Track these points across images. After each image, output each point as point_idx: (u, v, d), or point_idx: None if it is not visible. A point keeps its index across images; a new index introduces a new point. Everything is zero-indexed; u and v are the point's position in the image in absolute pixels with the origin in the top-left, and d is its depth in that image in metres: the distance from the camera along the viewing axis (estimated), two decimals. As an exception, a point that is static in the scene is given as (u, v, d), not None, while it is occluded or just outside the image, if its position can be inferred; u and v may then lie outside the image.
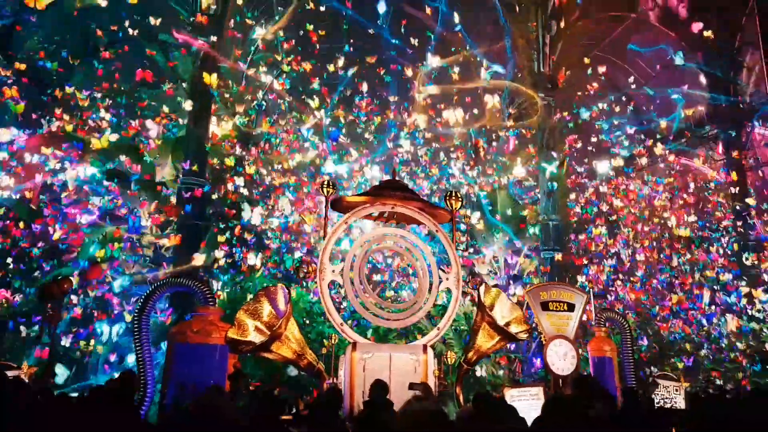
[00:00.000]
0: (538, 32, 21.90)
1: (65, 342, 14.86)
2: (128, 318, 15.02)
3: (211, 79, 18.36)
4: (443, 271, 9.62)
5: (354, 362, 8.55)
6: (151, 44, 19.62)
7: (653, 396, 10.59)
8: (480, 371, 14.84)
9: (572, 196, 22.72)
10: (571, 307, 10.34)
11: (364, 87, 22.92)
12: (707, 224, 23.27)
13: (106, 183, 17.64)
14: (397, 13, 23.86)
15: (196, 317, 9.45)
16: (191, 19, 19.10)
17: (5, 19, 18.10)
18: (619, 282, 21.26)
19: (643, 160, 23.88)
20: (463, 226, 19.78)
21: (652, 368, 17.80)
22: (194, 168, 18.06)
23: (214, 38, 18.82)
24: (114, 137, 18.14)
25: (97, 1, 18.75)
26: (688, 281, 21.46)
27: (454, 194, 9.97)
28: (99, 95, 18.88)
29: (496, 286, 12.18)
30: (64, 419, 6.04)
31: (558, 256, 19.65)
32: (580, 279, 20.57)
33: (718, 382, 17.69)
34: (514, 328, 9.22)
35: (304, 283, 16.14)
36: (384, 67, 23.20)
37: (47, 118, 17.68)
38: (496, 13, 22.86)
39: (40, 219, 16.17)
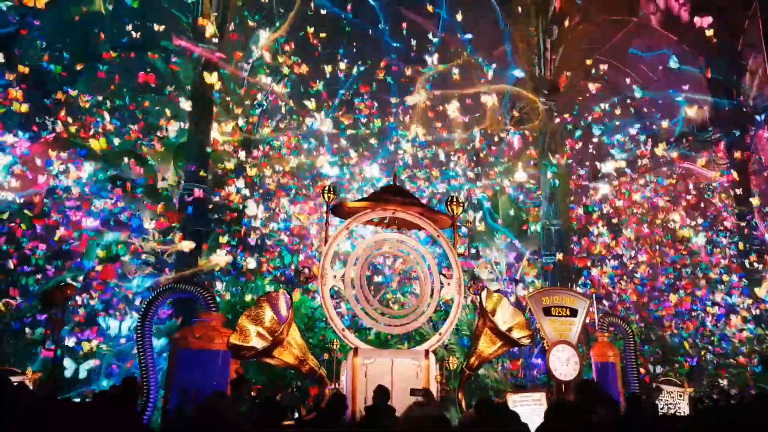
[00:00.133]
0: (538, 36, 21.91)
1: (69, 342, 14.85)
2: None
3: (212, 78, 18.41)
4: (444, 276, 9.62)
5: (356, 368, 8.55)
6: (152, 50, 19.69)
7: (657, 402, 10.55)
8: (486, 378, 14.81)
9: (574, 197, 22.64)
10: (573, 313, 10.32)
11: (366, 89, 22.93)
12: (711, 226, 23.19)
13: (109, 188, 17.69)
14: (397, 17, 23.91)
15: (199, 323, 9.48)
16: (192, 25, 19.16)
17: (11, 26, 18.19)
18: (622, 284, 21.19)
19: (644, 161, 23.83)
20: (464, 229, 19.76)
21: (656, 367, 17.69)
22: (201, 173, 18.09)
23: (215, 39, 18.85)
24: (116, 141, 18.19)
25: (98, 8, 18.86)
26: (690, 283, 21.38)
27: (455, 199, 9.98)
28: (101, 98, 18.93)
29: (498, 291, 12.16)
30: (68, 424, 6.06)
31: (559, 256, 19.58)
32: (582, 281, 20.50)
33: (722, 382, 17.62)
34: (516, 334, 9.19)
35: (310, 285, 16.19)
36: (385, 70, 23.21)
37: (52, 119, 17.73)
38: (496, 16, 22.90)
39: (42, 220, 16.20)
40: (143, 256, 17.53)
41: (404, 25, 23.60)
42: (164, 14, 19.69)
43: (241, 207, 19.29)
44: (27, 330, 14.77)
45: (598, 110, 23.67)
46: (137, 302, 16.07)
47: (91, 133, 17.94)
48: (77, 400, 12.42)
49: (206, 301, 9.66)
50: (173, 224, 17.85)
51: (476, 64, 22.86)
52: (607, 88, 24.74)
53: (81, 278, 15.94)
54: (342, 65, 22.90)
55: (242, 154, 20.40)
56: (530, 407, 9.16)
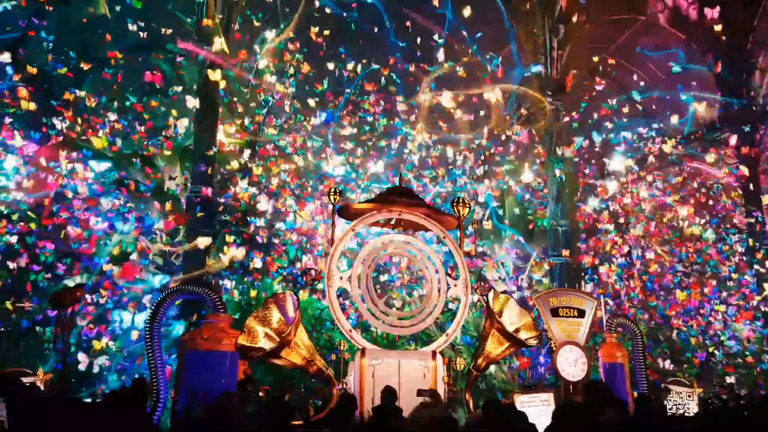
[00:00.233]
0: (544, 36, 21.84)
1: (80, 340, 14.95)
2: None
3: (215, 75, 18.48)
4: (450, 276, 9.64)
5: (363, 368, 8.58)
6: (156, 52, 19.79)
7: (666, 402, 10.51)
8: (494, 379, 14.81)
9: (580, 195, 22.50)
10: (581, 313, 10.30)
11: (372, 86, 22.91)
12: (719, 224, 23.04)
13: (115, 190, 17.82)
14: (401, 18, 23.91)
15: (207, 324, 9.53)
16: (196, 26, 19.24)
17: (18, 29, 18.36)
18: (630, 282, 21.10)
19: (651, 158, 23.70)
20: (471, 228, 19.71)
21: (666, 363, 17.59)
22: (209, 171, 18.17)
23: (221, 40, 18.90)
24: (121, 142, 18.29)
25: (103, 10, 18.97)
26: (696, 284, 21.24)
27: (461, 200, 9.99)
28: (106, 98, 19.06)
29: (504, 292, 12.16)
30: (79, 424, 6.12)
31: (566, 253, 19.50)
32: (590, 281, 20.42)
33: (729, 380, 17.50)
34: (523, 335, 9.20)
35: (316, 286, 16.22)
36: (389, 68, 23.19)
37: (60, 118, 17.85)
38: (501, 16, 22.86)
39: (51, 220, 16.33)
40: (150, 257, 17.62)
41: (408, 23, 23.57)
42: (168, 16, 19.78)
43: (247, 206, 19.35)
44: (38, 329, 14.87)
45: (606, 107, 23.54)
46: (145, 301, 16.18)
47: (99, 134, 18.05)
48: (88, 399, 12.48)
49: (214, 302, 9.70)
50: (180, 226, 17.95)
51: (481, 64, 22.82)
52: (614, 86, 24.64)
53: (94, 278, 16.07)
54: (348, 66, 22.89)
55: (248, 154, 20.45)
56: (538, 408, 9.15)
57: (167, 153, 19.37)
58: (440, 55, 22.88)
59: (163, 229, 17.97)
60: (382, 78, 23.03)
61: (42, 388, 8.60)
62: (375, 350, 9.17)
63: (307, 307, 14.41)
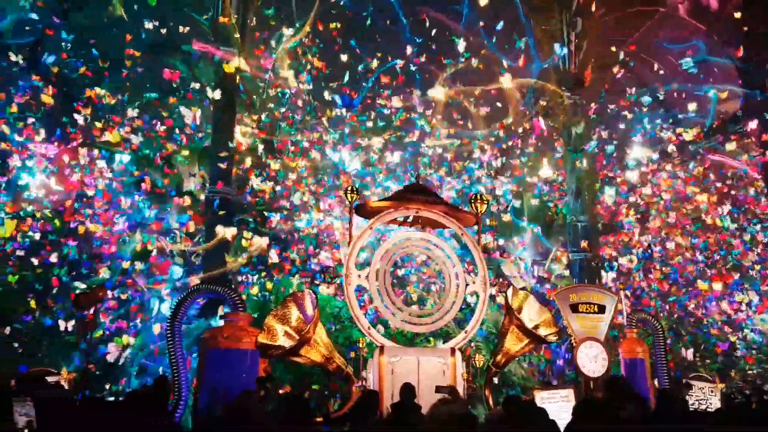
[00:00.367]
0: (562, 29, 21.65)
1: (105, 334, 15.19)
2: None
3: (231, 68, 18.59)
4: (469, 273, 9.62)
5: (382, 366, 8.60)
6: (172, 53, 19.97)
7: (687, 397, 10.40)
8: (513, 375, 14.76)
9: (599, 188, 22.24)
10: (601, 309, 10.23)
11: (387, 78, 22.83)
12: (740, 214, 22.62)
13: (136, 190, 18.07)
14: (416, 13, 23.81)
15: (227, 323, 9.63)
16: (212, 26, 19.38)
17: (36, 33, 18.68)
18: (650, 274, 20.83)
19: (671, 147, 23.33)
20: (488, 222, 19.61)
21: (689, 353, 17.38)
22: (225, 167, 18.30)
23: (236, 36, 19.01)
24: (136, 139, 18.48)
25: (120, 12, 19.19)
26: (717, 275, 20.90)
27: (479, 197, 9.96)
28: (125, 97, 19.30)
29: (524, 288, 12.12)
30: (102, 423, 6.23)
31: (584, 244, 19.31)
32: (610, 275, 20.20)
33: (751, 372, 17.25)
34: (543, 331, 9.16)
35: (332, 280, 16.34)
36: (406, 63, 23.12)
37: (83, 115, 18.10)
38: (517, 10, 22.68)
39: (72, 217, 16.60)
40: (170, 255, 17.84)
41: (423, 16, 23.46)
42: (183, 16, 19.93)
43: (264, 202, 19.49)
44: (61, 323, 15.09)
45: (626, 99, 23.25)
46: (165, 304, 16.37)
47: (114, 130, 18.27)
48: (111, 398, 12.67)
49: (234, 301, 9.80)
50: (199, 226, 18.14)
51: (498, 60, 22.67)
52: (633, 79, 24.33)
53: (117, 277, 16.33)
54: (363, 60, 22.84)
55: (266, 151, 20.56)
56: (558, 404, 9.09)
57: (185, 153, 19.56)
58: (460, 46, 22.66)
59: (183, 228, 18.19)
60: (398, 70, 22.91)
61: (66, 387, 8.74)
62: (394, 347, 9.18)
63: (325, 305, 14.47)
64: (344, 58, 22.47)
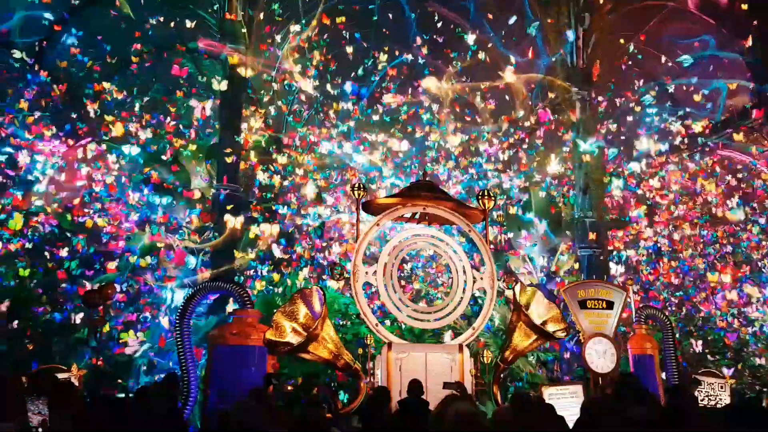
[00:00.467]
0: (570, 25, 21.52)
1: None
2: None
3: (235, 59, 18.62)
4: (477, 270, 9.61)
5: (390, 362, 8.62)
6: (179, 51, 20.02)
7: (697, 393, 10.34)
8: (521, 371, 14.72)
9: (608, 179, 22.06)
10: (609, 305, 10.18)
11: (393, 71, 22.73)
12: (745, 205, 22.41)
13: (143, 188, 18.18)
14: (423, 9, 23.73)
15: (235, 319, 9.67)
16: (219, 24, 19.41)
17: (43, 32, 18.82)
18: (660, 266, 20.68)
19: (678, 140, 23.14)
20: (495, 215, 19.53)
21: (698, 344, 17.28)
22: (233, 166, 18.34)
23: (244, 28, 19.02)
24: (143, 134, 18.55)
25: (127, 10, 19.27)
26: (724, 267, 20.72)
27: (487, 193, 9.95)
28: (131, 95, 19.38)
29: (531, 285, 12.08)
30: (114, 421, 6.27)
31: (592, 235, 19.23)
32: (618, 269, 20.10)
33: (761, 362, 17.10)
34: (551, 327, 9.14)
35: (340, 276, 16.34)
36: (412, 57, 23.03)
37: (92, 108, 18.19)
38: (525, 6, 22.56)
39: (82, 211, 16.70)
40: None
41: (430, 9, 23.36)
42: (190, 13, 19.97)
43: (272, 195, 19.53)
44: (72, 316, 15.19)
45: (634, 92, 23.08)
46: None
47: (118, 124, 18.35)
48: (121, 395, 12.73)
49: (242, 298, 9.83)
50: (206, 224, 18.22)
51: (504, 55, 22.57)
52: (641, 72, 24.15)
53: (127, 274, 16.46)
54: (369, 54, 22.75)
55: (273, 144, 20.58)
56: (567, 400, 9.06)
57: (192, 147, 19.60)
58: (469, 39, 22.53)
59: (191, 222, 18.28)
60: (406, 60, 22.81)
61: (77, 384, 8.79)
62: (401, 344, 9.20)
63: (333, 302, 14.50)
64: (350, 50, 22.37)
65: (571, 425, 5.93)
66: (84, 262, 16.56)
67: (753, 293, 19.85)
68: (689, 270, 20.96)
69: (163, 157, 18.94)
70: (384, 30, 23.51)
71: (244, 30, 19.46)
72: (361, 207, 9.76)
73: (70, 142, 17.57)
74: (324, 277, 17.73)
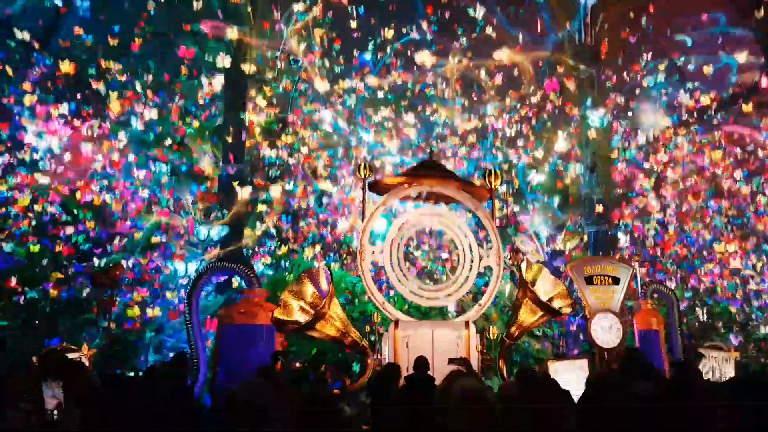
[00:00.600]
0: (578, 1, 21.24)
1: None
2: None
3: (235, 32, 18.57)
4: (482, 247, 9.64)
5: (397, 339, 8.70)
6: (182, 33, 19.87)
7: (701, 367, 10.39)
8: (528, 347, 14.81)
9: (617, 153, 21.89)
10: (616, 281, 10.21)
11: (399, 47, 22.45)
12: (751, 176, 22.24)
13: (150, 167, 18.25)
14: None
15: (243, 299, 9.77)
16: (222, 5, 19.28)
17: (47, 16, 18.77)
18: (666, 237, 20.62)
19: (688, 113, 22.90)
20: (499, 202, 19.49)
21: (703, 311, 17.31)
22: (239, 147, 18.32)
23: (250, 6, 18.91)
24: (150, 114, 18.55)
25: None
26: (730, 239, 20.64)
27: (492, 171, 9.93)
28: (139, 72, 19.35)
29: (538, 262, 12.09)
30: (126, 401, 6.37)
31: (599, 209, 19.21)
32: (624, 240, 20.07)
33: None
34: (557, 303, 9.18)
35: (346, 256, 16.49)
36: (418, 40, 22.75)
37: (96, 88, 18.22)
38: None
39: (87, 188, 16.80)
40: (187, 236, 18.03)
41: None
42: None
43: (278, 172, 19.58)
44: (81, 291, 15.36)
45: (641, 67, 22.76)
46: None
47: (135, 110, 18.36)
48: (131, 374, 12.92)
49: (249, 277, 9.91)
50: (212, 204, 18.30)
51: (511, 34, 22.27)
52: (650, 48, 23.81)
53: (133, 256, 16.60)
54: (374, 31, 22.45)
55: (277, 122, 20.53)
56: (573, 375, 9.13)
57: (196, 124, 19.57)
58: (478, 13, 22.14)
59: (198, 206, 18.37)
60: (411, 42, 22.56)
61: (87, 365, 8.91)
62: (408, 321, 9.27)
63: (340, 281, 14.58)
64: (355, 25, 22.08)
65: (576, 400, 6.00)
66: (91, 240, 16.68)
67: (760, 264, 19.83)
68: (695, 241, 20.89)
69: (169, 141, 18.93)
70: (389, 7, 23.18)
71: (249, 9, 19.32)
72: (367, 187, 9.76)
73: (76, 122, 17.57)
74: (329, 253, 17.84)
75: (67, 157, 16.96)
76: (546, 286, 9.39)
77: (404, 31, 22.45)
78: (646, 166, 22.05)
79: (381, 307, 9.18)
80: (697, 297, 19.21)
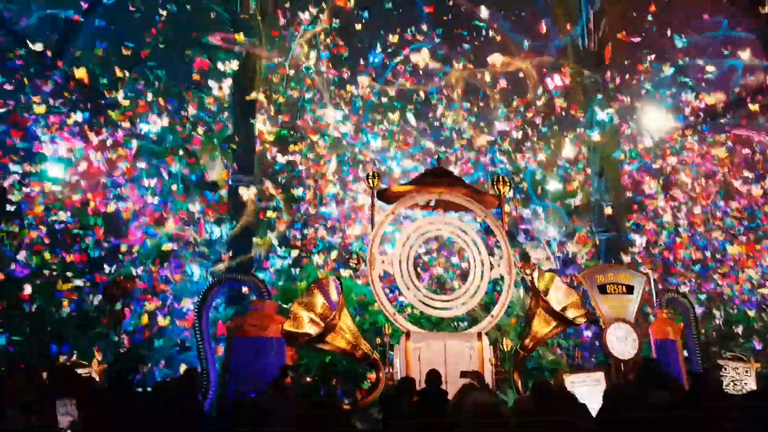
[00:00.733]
0: (581, 7, 21.20)
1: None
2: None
3: (242, 36, 18.62)
4: (493, 256, 9.51)
5: (408, 351, 8.57)
6: (192, 45, 20.00)
7: (721, 378, 10.17)
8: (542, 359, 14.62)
9: (623, 156, 21.68)
10: (630, 290, 10.03)
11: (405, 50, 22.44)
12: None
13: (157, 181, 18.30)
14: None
15: (253, 311, 9.69)
16: (232, 18, 19.39)
17: (60, 28, 18.95)
18: (678, 240, 20.37)
19: (693, 116, 22.68)
20: (508, 208, 19.34)
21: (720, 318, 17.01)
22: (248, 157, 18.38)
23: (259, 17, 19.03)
24: (162, 122, 18.64)
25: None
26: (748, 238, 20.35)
27: (501, 179, 9.82)
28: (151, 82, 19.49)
29: (549, 270, 11.94)
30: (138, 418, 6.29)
31: (608, 210, 18.91)
32: (638, 241, 19.84)
33: None
34: (571, 313, 9.02)
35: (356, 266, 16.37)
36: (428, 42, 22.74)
37: (109, 98, 18.34)
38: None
39: (102, 194, 16.87)
40: (197, 247, 18.04)
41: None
42: (202, 9, 19.92)
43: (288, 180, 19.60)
44: (89, 298, 15.35)
45: (645, 69, 22.62)
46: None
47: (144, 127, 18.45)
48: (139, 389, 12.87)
49: (260, 289, 9.84)
50: (222, 215, 18.32)
51: (515, 41, 22.24)
52: (653, 51, 23.67)
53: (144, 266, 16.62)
54: (381, 37, 22.47)
55: (287, 129, 20.58)
56: (588, 388, 8.96)
57: (200, 132, 19.64)
58: (483, 13, 22.12)
59: (209, 215, 18.40)
60: (416, 49, 22.53)
61: (98, 379, 8.86)
62: (420, 333, 9.14)
63: (350, 292, 14.48)
64: (363, 34, 22.12)
65: (594, 414, 5.85)
66: (102, 249, 16.73)
67: None
68: (707, 244, 20.63)
69: (180, 151, 19.00)
70: (394, 12, 23.22)
71: (259, 17, 19.44)
72: (376, 195, 9.69)
73: (88, 132, 17.69)
74: (335, 257, 17.79)
75: (81, 166, 17.07)
76: (559, 296, 9.24)
77: (409, 37, 22.45)
78: (655, 167, 21.85)
79: (392, 318, 9.06)
80: (712, 302, 18.93)
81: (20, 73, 17.56)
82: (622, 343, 9.64)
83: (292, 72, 21.02)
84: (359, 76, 21.82)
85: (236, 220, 18.41)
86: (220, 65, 19.67)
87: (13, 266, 15.14)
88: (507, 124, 22.20)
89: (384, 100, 22.21)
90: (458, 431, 5.85)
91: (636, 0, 22.62)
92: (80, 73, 17.63)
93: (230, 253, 17.94)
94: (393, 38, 22.31)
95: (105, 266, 16.40)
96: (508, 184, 9.93)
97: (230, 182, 19.11)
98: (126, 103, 18.53)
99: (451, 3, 22.89)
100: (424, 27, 22.60)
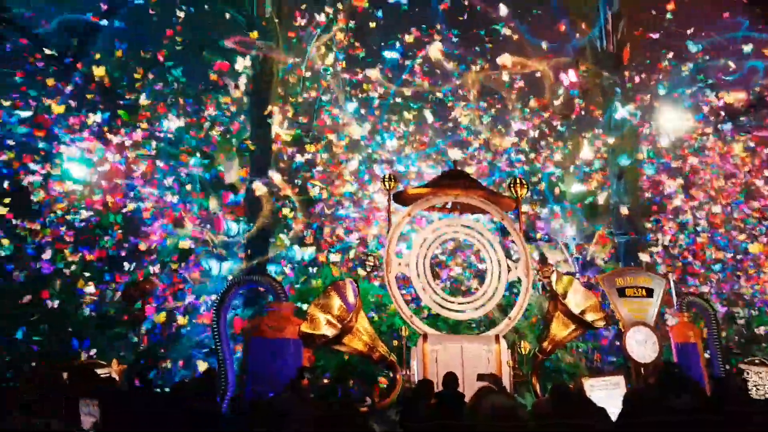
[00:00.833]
0: (599, 9, 21.05)
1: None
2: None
3: (254, 34, 18.72)
4: (511, 259, 9.45)
5: (426, 354, 8.54)
6: (209, 48, 20.16)
7: (744, 383, 10.01)
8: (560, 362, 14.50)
9: (643, 156, 21.43)
10: (649, 293, 9.92)
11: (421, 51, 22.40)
12: None
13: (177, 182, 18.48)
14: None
15: (270, 312, 9.73)
16: (248, 21, 19.53)
17: (79, 32, 19.23)
18: (698, 239, 20.11)
19: (713, 118, 22.38)
20: (527, 209, 19.19)
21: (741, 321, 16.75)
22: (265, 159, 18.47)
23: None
24: (178, 122, 18.81)
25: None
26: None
27: (519, 181, 9.77)
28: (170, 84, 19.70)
29: (567, 273, 11.85)
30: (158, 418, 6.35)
31: (625, 210, 18.69)
32: (660, 239, 19.62)
33: None
34: (590, 316, 8.93)
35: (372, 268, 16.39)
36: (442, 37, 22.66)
37: (128, 99, 18.55)
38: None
39: (120, 194, 17.07)
40: (215, 250, 18.16)
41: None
42: (218, 12, 20.09)
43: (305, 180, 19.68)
44: (109, 294, 15.52)
45: (665, 68, 22.36)
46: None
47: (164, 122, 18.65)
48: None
49: (277, 291, 9.88)
50: (240, 217, 18.43)
51: (532, 44, 22.10)
52: (671, 50, 23.40)
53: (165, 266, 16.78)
54: (397, 37, 22.46)
55: (303, 131, 20.68)
56: (608, 391, 8.86)
57: (222, 136, 19.79)
58: (502, 11, 22.02)
59: (227, 217, 18.54)
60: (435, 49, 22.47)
61: (117, 379, 8.95)
62: (437, 335, 9.11)
63: (367, 294, 14.47)
64: (378, 34, 22.11)
65: (613, 417, 5.79)
66: (122, 248, 16.91)
67: None
68: (728, 244, 20.35)
69: (197, 154, 19.16)
70: (410, 14, 23.18)
71: (276, 20, 19.57)
72: (392, 198, 9.68)
73: (108, 133, 17.92)
74: (352, 257, 17.81)
75: (101, 166, 17.30)
76: (577, 299, 9.15)
77: (426, 39, 22.40)
78: (674, 165, 21.60)
79: (408, 320, 9.03)
80: (733, 304, 18.67)
81: (41, 75, 17.83)
82: (642, 346, 9.55)
83: (308, 74, 21.09)
84: (375, 76, 21.82)
85: (253, 222, 18.53)
86: (237, 66, 19.79)
87: (38, 264, 15.35)
88: (524, 124, 22.05)
89: (399, 100, 22.21)
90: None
91: (654, 0, 22.40)
92: (99, 71, 17.83)
93: (248, 252, 18.05)
94: (409, 38, 22.28)
95: (125, 264, 16.56)
96: (525, 186, 9.87)
97: (247, 182, 19.21)
98: (145, 103, 18.71)
99: (466, 2, 22.80)
100: (439, 27, 22.55)
